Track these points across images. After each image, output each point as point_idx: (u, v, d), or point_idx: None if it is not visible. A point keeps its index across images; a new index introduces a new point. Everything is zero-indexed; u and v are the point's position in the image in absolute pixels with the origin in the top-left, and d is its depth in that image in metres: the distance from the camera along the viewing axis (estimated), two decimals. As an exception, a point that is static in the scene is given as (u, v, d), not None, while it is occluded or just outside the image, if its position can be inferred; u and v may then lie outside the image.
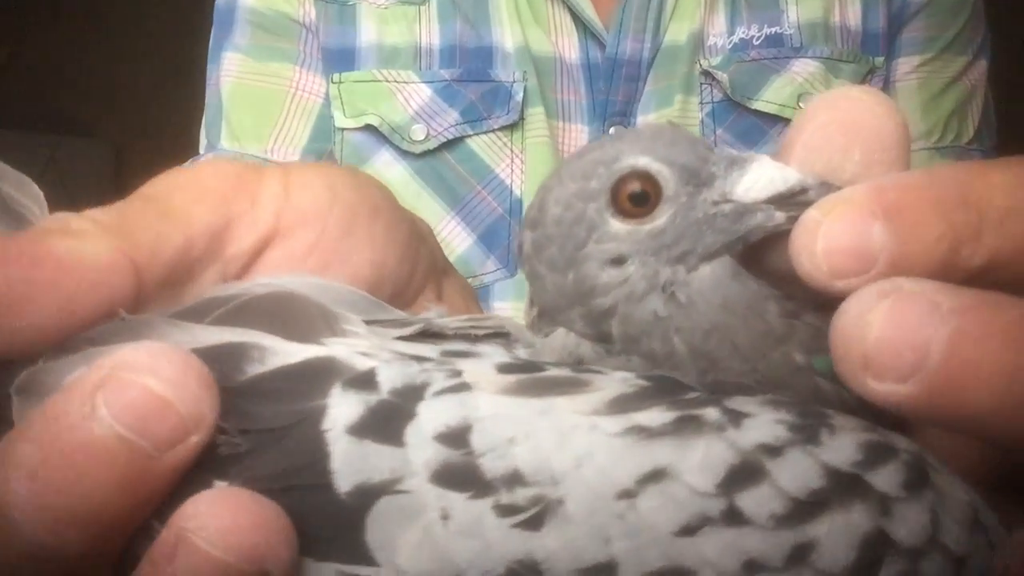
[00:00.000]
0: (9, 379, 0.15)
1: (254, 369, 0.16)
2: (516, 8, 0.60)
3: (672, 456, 0.14)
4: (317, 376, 0.16)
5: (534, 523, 0.13)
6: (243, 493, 0.14)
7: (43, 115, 2.19)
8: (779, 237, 0.16)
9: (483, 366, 0.16)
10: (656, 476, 0.13)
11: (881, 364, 0.13)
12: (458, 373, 0.15)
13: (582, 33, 0.59)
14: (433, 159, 0.58)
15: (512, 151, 0.58)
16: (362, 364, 0.16)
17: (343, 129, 0.61)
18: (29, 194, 0.24)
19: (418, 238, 0.24)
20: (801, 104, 0.57)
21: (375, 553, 0.14)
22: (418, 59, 0.59)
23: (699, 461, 0.13)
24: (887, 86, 0.61)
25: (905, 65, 0.61)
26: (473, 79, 0.59)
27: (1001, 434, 0.13)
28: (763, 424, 0.14)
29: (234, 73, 0.65)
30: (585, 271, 0.17)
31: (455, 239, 0.59)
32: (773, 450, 0.13)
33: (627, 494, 0.13)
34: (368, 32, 0.60)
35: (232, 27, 0.65)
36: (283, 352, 0.16)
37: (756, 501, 0.13)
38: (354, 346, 0.16)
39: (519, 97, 0.58)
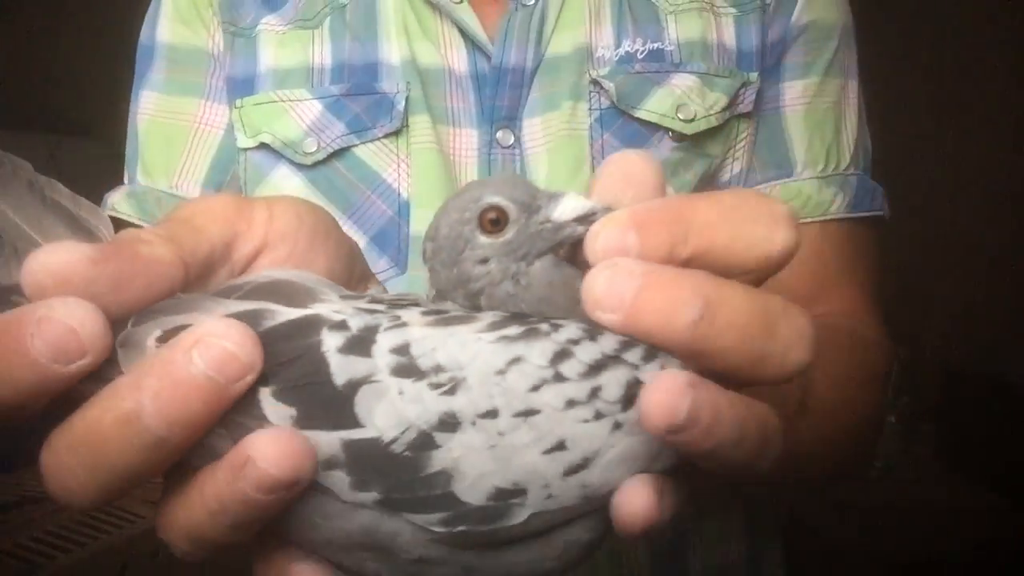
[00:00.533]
0: (116, 336, 0.24)
1: (269, 324, 0.25)
2: (404, 25, 0.64)
3: (524, 349, 0.25)
4: (311, 325, 0.26)
5: (451, 391, 0.25)
6: (287, 431, 0.24)
7: (43, 115, 2.19)
8: (581, 241, 0.26)
9: (412, 313, 0.27)
10: (516, 360, 0.25)
11: (601, 303, 0.24)
12: (397, 318, 0.26)
13: (469, 46, 0.63)
14: (325, 169, 0.62)
15: (398, 157, 0.62)
16: (337, 316, 0.26)
17: (244, 149, 0.65)
18: (97, 216, 0.32)
19: (353, 252, 0.33)
20: (679, 115, 0.61)
21: (362, 419, 0.25)
22: (311, 78, 0.64)
23: (538, 350, 0.25)
24: (777, 111, 0.65)
25: (791, 90, 0.66)
26: (360, 92, 0.62)
27: (671, 347, 0.24)
28: (570, 330, 0.25)
29: (149, 111, 0.76)
30: (464, 267, 0.28)
31: (360, 235, 0.62)
32: (576, 342, 0.25)
33: (500, 372, 0.25)
34: (267, 57, 0.65)
35: (150, 65, 0.74)
36: (286, 313, 0.26)
37: (569, 367, 0.25)
38: (330, 307, 0.27)
39: (401, 107, 0.61)
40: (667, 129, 0.61)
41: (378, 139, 0.62)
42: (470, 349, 0.25)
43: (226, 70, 0.67)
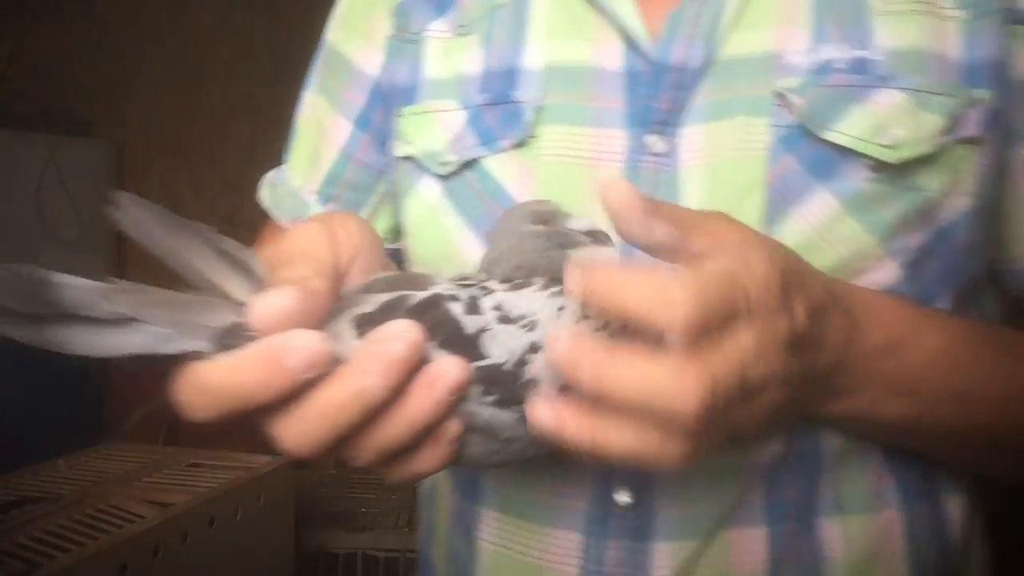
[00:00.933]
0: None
1: (412, 303, 0.39)
2: (553, 24, 0.59)
3: (564, 300, 0.40)
4: (437, 300, 0.39)
5: (531, 329, 0.38)
6: (458, 360, 0.37)
7: (43, 115, 2.19)
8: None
9: (492, 284, 0.41)
10: (562, 308, 0.39)
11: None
12: (485, 288, 0.40)
13: (624, 41, 0.56)
14: (458, 180, 0.60)
15: (523, 169, 0.58)
16: (449, 292, 0.39)
17: (397, 158, 0.65)
18: (253, 259, 0.38)
19: (382, 251, 0.46)
20: (880, 139, 0.49)
21: (485, 353, 0.38)
22: (461, 87, 0.61)
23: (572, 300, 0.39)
24: (1005, 177, 0.54)
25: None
26: (498, 101, 0.59)
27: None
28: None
29: (304, 106, 0.75)
30: (521, 242, 0.44)
31: (476, 254, 0.57)
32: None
33: (558, 312, 0.39)
34: (427, 66, 0.64)
35: (316, 60, 0.75)
36: (418, 295, 0.39)
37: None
38: (442, 287, 0.40)
39: (528, 117, 0.58)
40: (864, 156, 0.50)
41: (504, 150, 0.59)
42: (536, 302, 0.40)
43: (389, 77, 0.66)
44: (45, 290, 0.38)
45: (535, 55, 0.59)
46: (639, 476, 0.53)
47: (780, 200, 0.50)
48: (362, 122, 0.69)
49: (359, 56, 0.69)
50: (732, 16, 0.54)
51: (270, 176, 0.78)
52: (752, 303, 0.35)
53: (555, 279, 0.40)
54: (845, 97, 0.51)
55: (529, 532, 0.57)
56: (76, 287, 0.38)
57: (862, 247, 0.50)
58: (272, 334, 0.34)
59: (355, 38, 0.70)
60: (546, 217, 0.44)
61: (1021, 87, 0.52)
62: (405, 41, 0.65)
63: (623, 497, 0.53)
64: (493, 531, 0.59)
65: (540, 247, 0.43)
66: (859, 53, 0.51)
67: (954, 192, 0.51)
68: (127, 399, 2.01)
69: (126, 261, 2.59)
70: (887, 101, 0.50)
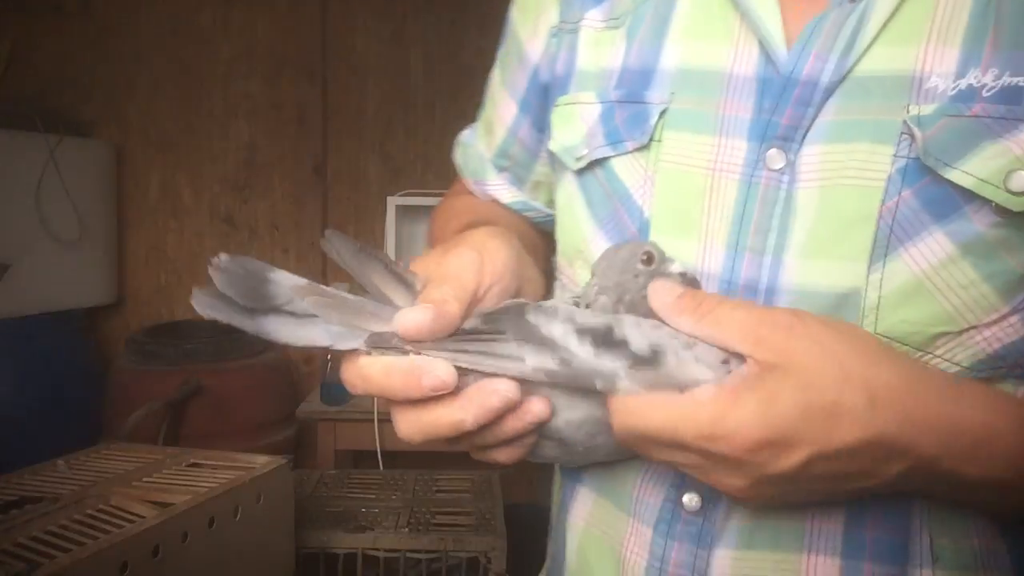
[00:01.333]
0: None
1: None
2: (694, 24, 0.57)
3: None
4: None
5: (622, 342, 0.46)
6: (544, 400, 0.45)
7: (43, 115, 2.19)
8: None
9: (623, 317, 0.47)
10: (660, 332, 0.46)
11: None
12: (619, 320, 0.47)
13: (762, 47, 0.53)
14: (589, 176, 0.60)
15: (645, 173, 0.57)
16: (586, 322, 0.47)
17: (550, 151, 0.65)
18: (414, 276, 0.48)
19: (535, 278, 0.57)
20: (1008, 184, 0.44)
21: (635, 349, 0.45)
22: (602, 81, 0.60)
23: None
24: None
25: None
26: (630, 100, 0.58)
27: None
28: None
29: (491, 79, 0.76)
30: (623, 279, 0.49)
31: (598, 250, 0.57)
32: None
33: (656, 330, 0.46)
34: (580, 57, 0.63)
35: (503, 35, 0.74)
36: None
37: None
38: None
39: (652, 121, 0.56)
40: (985, 200, 0.45)
41: (628, 152, 0.58)
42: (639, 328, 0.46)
43: (553, 67, 0.65)
44: (263, 285, 0.45)
45: (672, 54, 0.57)
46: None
47: (890, 237, 0.47)
48: (524, 105, 0.70)
49: (528, 40, 0.68)
50: (875, 29, 0.49)
51: (463, 135, 0.81)
52: (811, 432, 0.41)
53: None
54: (982, 131, 0.45)
55: (615, 518, 0.58)
56: (283, 284, 0.45)
57: (978, 298, 0.46)
58: (411, 338, 0.45)
59: (528, 21, 0.69)
60: (653, 255, 0.49)
61: None
62: (566, 31, 0.64)
63: (692, 501, 0.53)
64: (586, 510, 0.61)
65: (642, 284, 0.49)
66: (1013, 80, 0.45)
67: None
68: (127, 399, 2.01)
69: (126, 261, 2.60)
70: None
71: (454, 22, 2.61)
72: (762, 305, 0.48)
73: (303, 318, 0.46)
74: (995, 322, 0.46)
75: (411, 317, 0.44)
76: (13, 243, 2.08)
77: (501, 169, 0.74)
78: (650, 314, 0.47)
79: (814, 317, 0.43)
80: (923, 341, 0.47)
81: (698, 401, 0.42)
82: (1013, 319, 0.46)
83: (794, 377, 0.41)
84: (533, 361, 0.44)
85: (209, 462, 1.43)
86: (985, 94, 0.46)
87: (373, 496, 1.76)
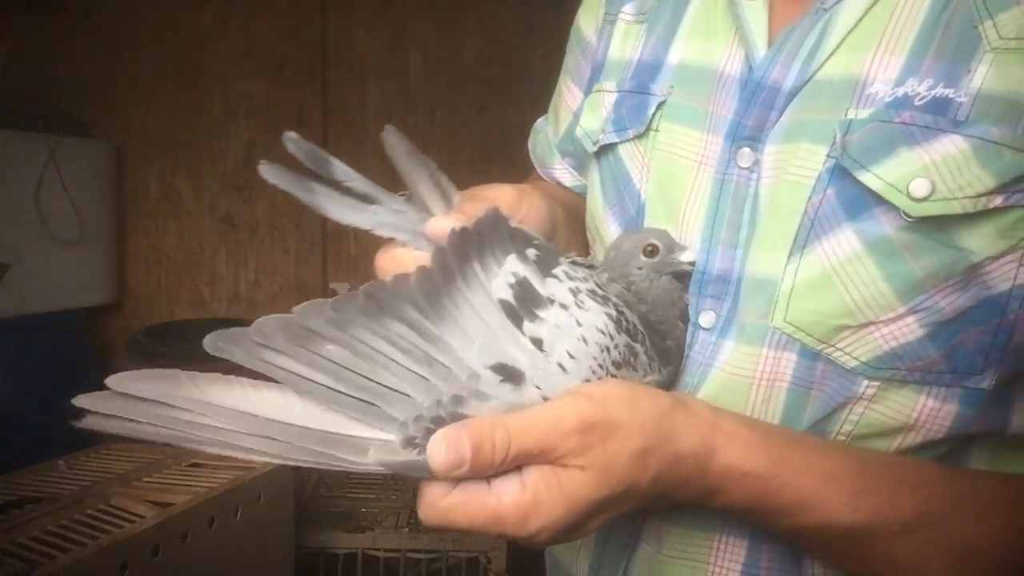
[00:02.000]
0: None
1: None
2: (700, 22, 0.60)
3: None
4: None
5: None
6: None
7: (43, 115, 2.19)
8: (685, 272, 0.56)
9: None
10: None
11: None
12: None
13: (747, 49, 0.56)
14: (602, 160, 0.65)
15: (643, 160, 0.61)
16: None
17: (575, 136, 0.70)
18: (454, 191, 0.54)
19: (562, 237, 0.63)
20: (910, 189, 0.46)
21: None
22: (623, 71, 0.65)
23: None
24: None
25: None
26: (637, 91, 0.62)
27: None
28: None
29: (563, 70, 0.80)
30: (627, 270, 0.55)
31: (608, 229, 0.64)
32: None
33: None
34: (612, 47, 0.68)
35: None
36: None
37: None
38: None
39: (650, 111, 0.60)
40: (890, 204, 0.47)
41: (630, 140, 0.62)
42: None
43: (594, 56, 0.71)
44: (325, 163, 0.52)
45: (677, 50, 0.61)
46: None
47: (810, 231, 0.50)
48: (589, 92, 0.72)
49: (588, 30, 0.73)
50: (839, 38, 0.51)
51: (537, 123, 0.84)
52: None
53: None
54: (903, 137, 0.47)
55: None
56: (341, 168, 0.52)
57: (876, 296, 0.48)
58: (438, 243, 0.47)
59: (589, 13, 0.74)
60: (657, 246, 0.54)
61: None
62: (608, 22, 0.69)
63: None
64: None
65: (645, 276, 0.54)
66: (944, 92, 0.47)
67: (1004, 260, 0.46)
68: (127, 399, 2.01)
69: (126, 261, 2.60)
70: (944, 149, 0.46)
71: (454, 22, 2.61)
72: (543, 411, 0.45)
73: (354, 202, 0.52)
74: (892, 320, 0.48)
75: (441, 223, 0.49)
76: (13, 243, 2.08)
77: (565, 154, 0.77)
78: (657, 301, 0.54)
79: (597, 413, 0.44)
80: (825, 332, 0.50)
81: (504, 505, 0.42)
82: (909, 319, 0.48)
83: (588, 480, 0.43)
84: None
85: (209, 462, 1.44)
86: (917, 103, 0.48)
87: (373, 496, 1.76)
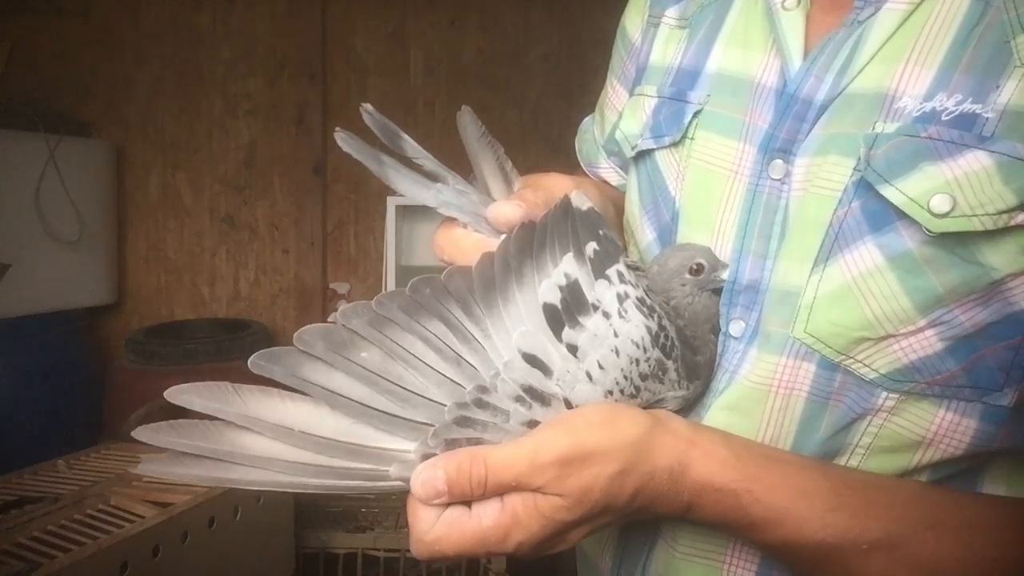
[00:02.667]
0: None
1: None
2: (739, 31, 0.60)
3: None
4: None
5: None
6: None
7: (43, 115, 2.19)
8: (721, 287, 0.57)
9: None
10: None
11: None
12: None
13: (784, 60, 0.57)
14: (640, 165, 0.66)
15: (678, 167, 0.61)
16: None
17: (616, 139, 0.71)
18: (517, 177, 0.56)
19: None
20: (930, 205, 0.46)
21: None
22: (662, 76, 0.65)
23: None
24: None
25: None
26: (675, 97, 0.63)
27: None
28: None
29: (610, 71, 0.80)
30: (671, 285, 0.55)
31: (643, 234, 0.65)
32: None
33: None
34: (653, 51, 0.68)
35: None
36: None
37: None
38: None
39: (686, 119, 0.60)
40: (911, 220, 0.47)
41: (666, 147, 0.62)
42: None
43: (639, 59, 0.71)
44: (397, 137, 0.53)
45: (715, 58, 0.61)
46: None
47: (834, 243, 0.50)
48: (632, 94, 0.73)
49: (633, 31, 0.74)
50: (872, 51, 0.51)
51: (583, 122, 0.85)
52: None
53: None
54: (927, 152, 0.47)
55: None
56: (412, 144, 0.53)
57: (897, 309, 0.48)
58: (498, 227, 0.51)
59: (634, 15, 0.74)
60: (703, 265, 0.54)
61: None
62: (652, 25, 0.70)
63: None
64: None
65: (687, 292, 0.55)
66: (972, 107, 0.47)
67: None
68: (127, 399, 2.01)
69: (126, 261, 2.59)
70: (968, 166, 0.46)
71: (454, 22, 2.61)
72: (523, 445, 0.46)
73: (420, 179, 0.54)
74: (911, 333, 0.48)
75: (502, 209, 0.52)
76: (13, 243, 2.08)
77: (611, 154, 0.77)
78: (694, 318, 0.55)
79: (574, 447, 0.45)
80: (845, 344, 0.50)
81: (485, 527, 0.45)
82: (928, 333, 0.48)
83: (567, 504, 0.45)
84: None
85: (209, 462, 1.43)
86: (944, 118, 0.47)
87: (373, 496, 1.76)
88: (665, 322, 0.51)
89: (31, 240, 2.14)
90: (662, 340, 0.50)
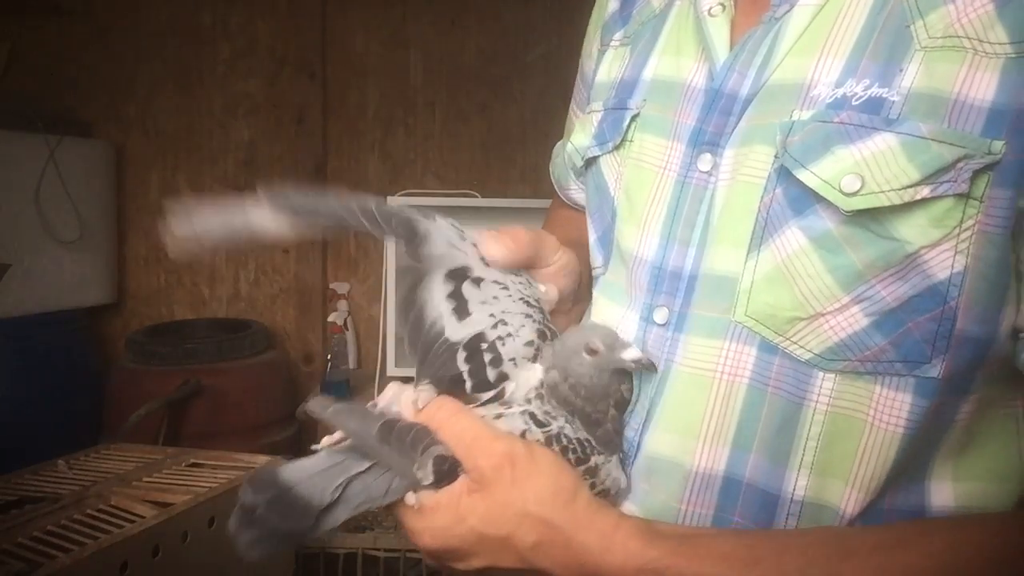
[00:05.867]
0: None
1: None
2: (671, 40, 0.64)
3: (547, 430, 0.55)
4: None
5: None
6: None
7: (43, 115, 2.19)
8: (625, 369, 0.57)
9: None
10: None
11: None
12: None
13: (710, 61, 0.60)
14: (588, 173, 0.71)
15: (618, 170, 0.65)
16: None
17: (567, 152, 0.75)
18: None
19: (582, 283, 0.66)
20: (842, 185, 0.48)
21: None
22: (607, 90, 0.69)
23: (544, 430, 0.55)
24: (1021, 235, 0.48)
25: None
26: (617, 107, 0.66)
27: None
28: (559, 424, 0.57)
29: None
30: (570, 365, 0.55)
31: (590, 236, 0.70)
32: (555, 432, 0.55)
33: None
34: (600, 71, 0.72)
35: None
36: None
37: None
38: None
39: (626, 124, 0.64)
40: (826, 201, 0.50)
41: (608, 152, 0.66)
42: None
43: (591, 81, 0.75)
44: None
45: (651, 67, 0.65)
46: None
47: (764, 229, 0.53)
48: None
49: (586, 61, 0.79)
50: (788, 45, 0.54)
51: (555, 148, 0.87)
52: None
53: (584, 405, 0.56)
54: (840, 136, 0.50)
55: None
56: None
57: (822, 287, 0.50)
58: (491, 257, 0.57)
59: (589, 45, 0.79)
60: (600, 345, 0.55)
61: None
62: (601, 52, 0.74)
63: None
64: None
65: (586, 372, 0.54)
66: (879, 92, 0.49)
67: (941, 248, 0.48)
68: (127, 399, 2.01)
69: (126, 261, 2.59)
70: (876, 146, 0.48)
71: (454, 22, 2.60)
72: (490, 427, 0.52)
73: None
74: (838, 311, 0.50)
75: (493, 245, 0.57)
76: (13, 243, 2.08)
77: (580, 175, 0.79)
78: (591, 395, 0.55)
79: (525, 456, 0.50)
80: (780, 324, 0.52)
81: (408, 506, 0.52)
82: (854, 309, 0.50)
83: (483, 506, 0.50)
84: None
85: (209, 462, 1.44)
86: (854, 103, 0.50)
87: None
88: (557, 426, 0.54)
89: (31, 240, 2.14)
90: (564, 442, 0.53)
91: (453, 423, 0.51)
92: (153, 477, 1.37)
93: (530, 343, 0.56)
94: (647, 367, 0.56)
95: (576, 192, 0.82)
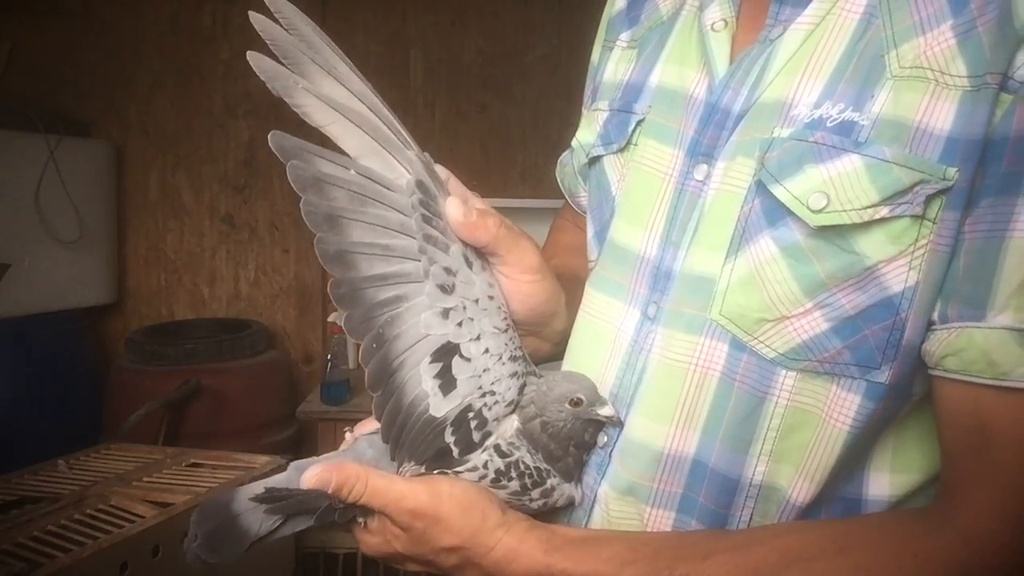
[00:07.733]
0: None
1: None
2: (677, 49, 0.67)
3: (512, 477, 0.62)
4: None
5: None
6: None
7: (43, 115, 2.19)
8: (599, 421, 0.63)
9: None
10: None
11: None
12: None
13: (712, 75, 0.63)
14: (592, 170, 0.74)
15: (621, 171, 0.69)
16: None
17: (572, 148, 0.78)
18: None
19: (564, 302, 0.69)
20: (809, 202, 0.53)
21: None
22: (615, 92, 0.72)
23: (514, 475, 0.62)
24: (994, 234, 0.50)
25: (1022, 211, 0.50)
26: (623, 109, 0.70)
27: None
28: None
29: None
30: (551, 413, 0.61)
31: (588, 229, 0.74)
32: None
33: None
34: (606, 71, 0.75)
35: None
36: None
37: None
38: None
39: (630, 128, 0.68)
40: (796, 216, 0.53)
41: (613, 153, 0.70)
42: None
43: (595, 81, 0.78)
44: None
45: (657, 74, 0.68)
46: None
47: (741, 236, 0.57)
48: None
49: (596, 60, 0.81)
50: (780, 65, 0.58)
51: (562, 157, 0.89)
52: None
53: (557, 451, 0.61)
54: (813, 155, 0.53)
55: None
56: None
57: (788, 293, 0.55)
58: (455, 222, 0.58)
59: (596, 45, 0.81)
60: (582, 400, 0.60)
61: (990, 153, 0.50)
62: (607, 49, 0.77)
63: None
64: None
65: (563, 418, 0.60)
66: (851, 115, 0.53)
67: (896, 264, 0.52)
68: (127, 399, 2.01)
69: (126, 261, 2.60)
70: (843, 167, 0.52)
71: (454, 22, 2.61)
72: (396, 489, 0.58)
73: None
74: (802, 315, 0.55)
75: (454, 207, 0.58)
76: (13, 243, 2.08)
77: (587, 179, 0.82)
78: (556, 434, 0.60)
79: (431, 508, 0.57)
80: (749, 324, 0.57)
81: (357, 522, 0.61)
82: (816, 314, 0.54)
83: (405, 540, 0.58)
84: None
85: (209, 462, 1.44)
86: (829, 124, 0.54)
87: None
88: (518, 455, 0.60)
89: (31, 240, 2.14)
90: (521, 468, 0.60)
91: (369, 495, 0.57)
92: (153, 477, 1.37)
93: (511, 403, 0.60)
94: (615, 424, 0.62)
95: (586, 199, 0.82)
